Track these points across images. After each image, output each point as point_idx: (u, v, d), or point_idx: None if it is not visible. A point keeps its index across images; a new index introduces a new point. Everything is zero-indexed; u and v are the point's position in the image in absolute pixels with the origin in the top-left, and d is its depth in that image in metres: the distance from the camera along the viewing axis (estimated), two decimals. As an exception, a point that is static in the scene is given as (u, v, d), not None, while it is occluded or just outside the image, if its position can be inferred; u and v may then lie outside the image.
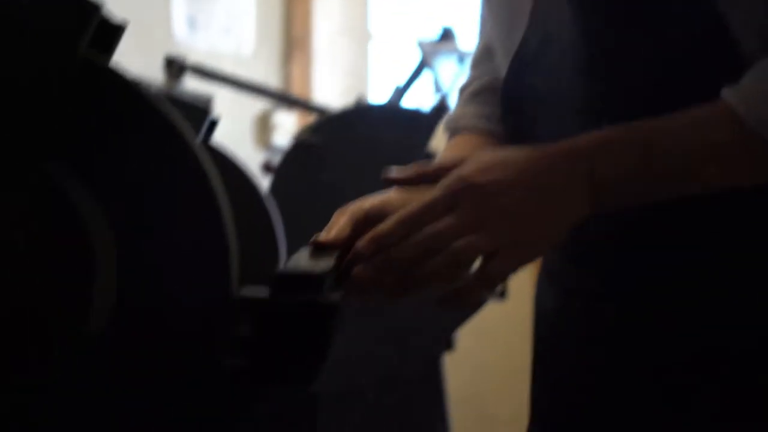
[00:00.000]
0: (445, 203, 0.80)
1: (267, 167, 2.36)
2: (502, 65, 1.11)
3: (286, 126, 3.89)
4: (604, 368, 1.08)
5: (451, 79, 2.48)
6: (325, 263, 0.73)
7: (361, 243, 0.79)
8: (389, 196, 0.93)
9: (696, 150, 0.85)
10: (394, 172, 0.87)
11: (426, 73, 2.55)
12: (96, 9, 0.68)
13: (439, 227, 0.78)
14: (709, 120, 0.85)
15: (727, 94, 0.86)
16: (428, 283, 0.79)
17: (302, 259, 0.76)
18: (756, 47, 0.89)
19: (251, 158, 3.25)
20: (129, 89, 0.69)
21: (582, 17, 1.00)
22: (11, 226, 0.65)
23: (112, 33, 0.73)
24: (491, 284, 0.80)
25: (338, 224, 0.85)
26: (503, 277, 0.80)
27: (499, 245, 0.79)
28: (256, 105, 3.84)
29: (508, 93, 1.09)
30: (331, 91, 4.06)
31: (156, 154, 0.68)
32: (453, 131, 1.19)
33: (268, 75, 3.89)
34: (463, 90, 1.23)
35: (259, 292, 0.69)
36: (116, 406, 0.65)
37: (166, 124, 0.69)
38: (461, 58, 2.55)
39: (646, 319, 1.03)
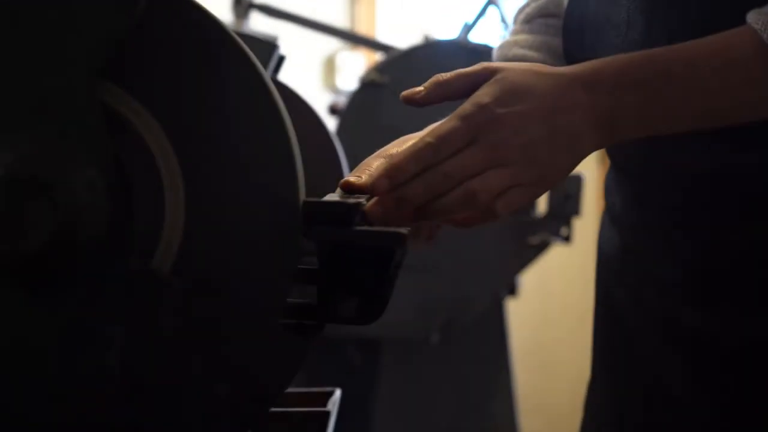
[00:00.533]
0: (463, 137, 0.77)
1: (333, 109, 2.34)
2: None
3: (353, 68, 3.87)
4: (661, 311, 1.07)
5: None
6: (354, 199, 0.71)
7: (376, 178, 0.77)
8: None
9: (719, 78, 0.82)
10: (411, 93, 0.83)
11: (493, 9, 2.51)
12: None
13: (454, 166, 0.76)
14: (733, 45, 0.82)
15: (753, 18, 0.82)
16: (440, 218, 0.80)
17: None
18: None
19: (318, 101, 3.24)
20: (203, 17, 0.68)
21: None
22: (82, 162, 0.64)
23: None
24: (497, 217, 0.79)
25: (370, 167, 0.81)
26: (511, 210, 0.79)
27: (511, 184, 0.77)
28: (323, 47, 3.82)
29: (570, 23, 1.05)
30: (396, 32, 4.02)
31: (228, 83, 0.67)
32: (503, 60, 1.16)
33: (334, 15, 3.86)
34: (518, 13, 1.21)
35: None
36: (183, 345, 0.64)
37: (240, 53, 0.67)
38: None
39: (711, 263, 1.02)
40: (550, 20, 1.14)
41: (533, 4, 1.17)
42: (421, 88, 0.82)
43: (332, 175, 1.20)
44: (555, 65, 1.07)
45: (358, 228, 0.66)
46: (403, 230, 0.65)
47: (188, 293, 0.63)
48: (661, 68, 0.82)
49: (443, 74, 0.81)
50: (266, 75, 0.68)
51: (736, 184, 0.98)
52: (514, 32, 1.18)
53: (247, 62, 0.68)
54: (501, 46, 1.17)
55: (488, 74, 0.79)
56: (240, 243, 0.66)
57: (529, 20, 1.17)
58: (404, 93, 0.82)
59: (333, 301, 0.69)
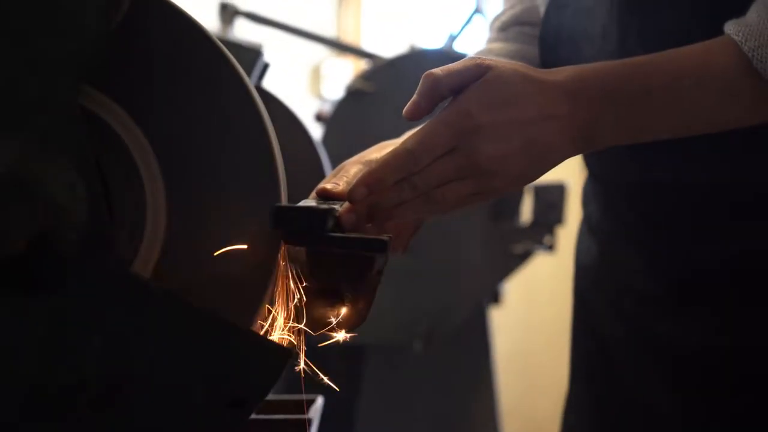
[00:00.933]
0: (444, 146, 0.77)
1: (319, 117, 2.34)
2: (540, 4, 1.09)
3: (339, 75, 3.87)
4: (638, 321, 1.08)
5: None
6: (327, 204, 0.70)
7: (354, 187, 0.75)
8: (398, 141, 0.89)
9: (699, 92, 0.82)
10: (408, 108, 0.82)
11: (479, 18, 2.51)
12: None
13: (429, 177, 0.76)
14: (714, 58, 0.82)
15: (733, 29, 0.83)
16: (388, 221, 0.78)
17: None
18: None
19: (304, 108, 3.24)
20: (186, 23, 0.68)
21: None
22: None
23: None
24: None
25: (348, 173, 0.82)
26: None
27: (473, 192, 0.78)
28: (309, 55, 3.82)
29: (546, 34, 1.06)
30: (382, 41, 4.02)
31: (210, 88, 0.67)
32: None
33: (320, 23, 3.86)
34: (494, 21, 1.21)
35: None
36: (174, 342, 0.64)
37: (222, 60, 0.67)
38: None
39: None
40: (525, 28, 1.14)
41: (508, 12, 1.17)
42: (416, 98, 0.81)
43: (316, 184, 1.20)
44: None
45: (341, 234, 0.66)
46: (385, 237, 0.65)
47: (168, 297, 0.63)
48: (642, 81, 0.82)
49: (434, 71, 0.80)
50: (248, 80, 0.68)
51: (715, 194, 0.98)
52: (490, 40, 1.18)
53: (230, 68, 0.68)
54: (476, 54, 1.17)
55: (479, 71, 0.79)
56: (219, 249, 0.66)
57: (504, 28, 1.17)
58: (405, 111, 0.80)
59: (314, 308, 0.69)
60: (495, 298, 2.29)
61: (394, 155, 0.77)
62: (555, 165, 0.82)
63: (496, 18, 1.19)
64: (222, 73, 0.67)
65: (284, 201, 0.68)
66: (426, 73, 0.80)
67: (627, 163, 1.04)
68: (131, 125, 0.67)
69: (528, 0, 1.15)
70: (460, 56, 2.29)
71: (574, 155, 0.83)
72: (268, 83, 1.22)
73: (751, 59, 0.80)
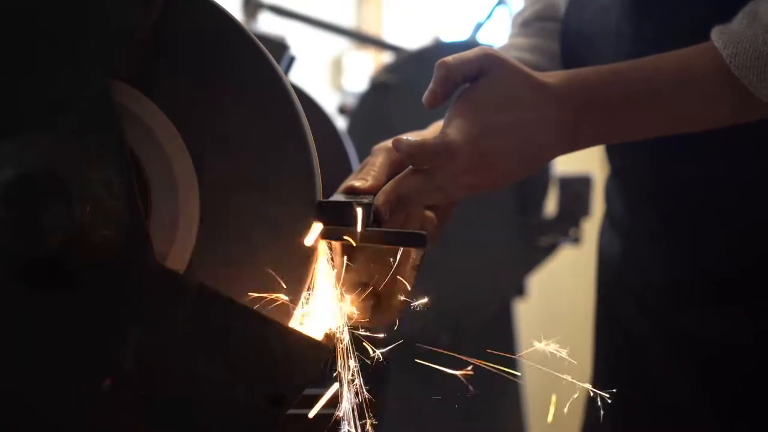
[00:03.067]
0: (450, 176, 0.81)
1: (342, 110, 2.34)
2: (561, 2, 1.12)
3: (360, 68, 3.86)
4: (661, 315, 1.08)
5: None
6: (366, 199, 0.71)
7: (383, 205, 0.78)
8: (427, 132, 0.95)
9: (678, 96, 0.86)
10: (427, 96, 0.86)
11: (502, 9, 2.50)
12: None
13: (447, 176, 0.81)
14: (694, 62, 0.85)
15: (715, 36, 0.85)
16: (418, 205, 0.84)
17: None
18: None
19: (326, 101, 3.23)
20: (221, 17, 0.67)
21: None
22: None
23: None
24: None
25: (375, 167, 0.85)
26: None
27: (476, 184, 0.83)
28: (330, 48, 3.82)
29: (566, 31, 1.09)
30: (403, 32, 4.02)
31: (246, 83, 0.66)
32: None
33: (341, 16, 3.86)
34: (517, 17, 1.23)
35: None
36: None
37: (258, 54, 0.67)
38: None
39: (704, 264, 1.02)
40: (547, 24, 1.16)
41: (531, 9, 1.20)
42: (432, 86, 0.85)
43: (343, 177, 1.20)
44: (549, 68, 1.09)
45: (381, 229, 0.66)
46: (423, 231, 0.65)
47: (205, 293, 0.63)
48: (625, 87, 0.85)
49: (447, 59, 0.85)
50: (285, 76, 0.68)
51: (737, 191, 0.98)
52: (513, 35, 1.20)
53: (266, 63, 0.67)
54: (500, 50, 1.19)
55: (488, 61, 0.83)
56: (255, 245, 0.66)
57: (527, 24, 1.19)
58: (424, 99, 0.86)
59: (350, 303, 0.69)
60: (520, 291, 2.28)
61: (414, 178, 0.80)
62: (544, 163, 0.89)
63: (519, 14, 1.22)
64: (260, 71, 0.67)
65: (319, 190, 0.68)
66: (439, 61, 0.85)
67: (647, 159, 1.04)
68: (166, 122, 0.67)
69: None
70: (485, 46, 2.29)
71: (563, 153, 0.87)
72: (291, 76, 1.22)
73: (729, 65, 0.82)
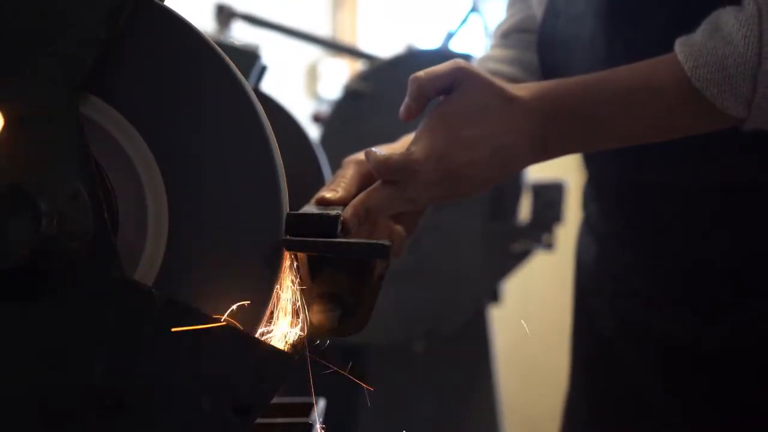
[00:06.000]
0: (420, 188, 0.83)
1: (317, 118, 2.34)
2: (537, 11, 1.14)
3: (335, 75, 3.87)
4: (634, 318, 1.09)
5: (499, 19, 2.43)
6: (334, 210, 0.72)
7: (350, 219, 0.80)
8: (397, 146, 0.98)
9: (643, 107, 0.88)
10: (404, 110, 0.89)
11: (475, 17, 2.51)
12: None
13: (419, 189, 0.83)
14: (658, 74, 0.87)
15: (678, 48, 0.87)
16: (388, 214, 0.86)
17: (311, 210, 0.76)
18: None
19: (300, 109, 3.23)
20: (186, 29, 0.68)
21: None
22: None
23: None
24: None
25: (345, 179, 0.87)
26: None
27: (448, 194, 0.86)
28: (305, 55, 3.82)
29: (543, 40, 1.11)
30: (378, 40, 4.02)
31: (210, 95, 0.67)
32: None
33: (316, 23, 3.86)
34: (497, 29, 1.25)
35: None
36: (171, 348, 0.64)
37: (222, 66, 0.68)
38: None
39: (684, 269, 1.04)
40: (527, 35, 1.18)
41: (510, 20, 1.22)
42: (407, 101, 0.88)
43: (315, 186, 1.20)
44: (527, 79, 1.11)
45: (344, 240, 0.67)
46: (387, 242, 0.65)
47: (170, 304, 0.63)
48: (593, 99, 0.87)
49: (419, 74, 0.87)
50: (248, 87, 0.68)
51: (709, 195, 1.00)
52: (492, 46, 1.23)
53: (230, 75, 0.68)
54: (479, 60, 1.22)
55: (459, 75, 0.86)
56: (223, 258, 0.66)
57: (506, 35, 1.21)
58: (400, 114, 0.89)
59: (316, 313, 0.69)
60: (494, 297, 2.29)
61: (384, 191, 0.82)
62: (516, 171, 0.94)
63: (499, 26, 1.24)
64: (223, 81, 0.67)
65: (285, 207, 0.68)
66: (412, 77, 0.88)
67: (617, 165, 1.06)
68: (132, 132, 0.67)
69: (528, 8, 1.19)
70: (457, 56, 2.30)
71: (533, 163, 0.90)
72: (266, 84, 1.22)
73: (690, 78, 0.84)
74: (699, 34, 0.86)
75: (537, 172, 2.33)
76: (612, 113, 0.87)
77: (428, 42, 2.86)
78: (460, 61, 0.87)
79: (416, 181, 0.82)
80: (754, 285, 1.00)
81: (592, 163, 1.15)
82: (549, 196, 2.21)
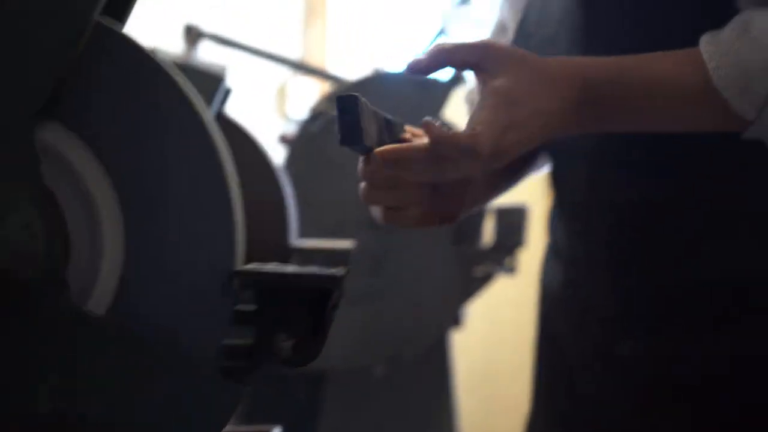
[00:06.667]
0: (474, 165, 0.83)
1: (284, 139, 2.35)
2: (510, 36, 1.14)
3: (305, 95, 3.87)
4: (601, 343, 1.09)
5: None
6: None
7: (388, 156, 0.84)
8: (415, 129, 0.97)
9: (669, 104, 0.88)
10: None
11: (443, 40, 2.53)
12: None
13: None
14: (685, 74, 0.87)
15: (704, 46, 0.87)
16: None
17: None
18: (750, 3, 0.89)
19: (269, 129, 3.24)
20: (141, 56, 0.68)
21: None
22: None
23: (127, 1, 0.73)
24: None
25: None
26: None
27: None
28: (275, 75, 3.82)
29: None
30: (348, 60, 4.04)
31: (167, 123, 0.67)
32: (471, 103, 1.21)
33: (286, 43, 3.87)
34: None
35: (264, 267, 0.69)
36: (116, 385, 0.64)
37: (178, 92, 0.68)
38: (479, 24, 2.53)
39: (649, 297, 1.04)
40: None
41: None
42: (422, 57, 0.87)
43: (277, 210, 1.21)
44: None
45: (295, 270, 0.67)
46: (339, 272, 0.66)
47: (123, 333, 0.63)
48: (623, 84, 0.87)
49: (447, 43, 0.86)
50: (206, 113, 0.68)
51: (677, 219, 1.00)
52: None
53: (186, 102, 0.68)
54: (469, 92, 1.23)
55: (488, 58, 0.84)
56: (176, 286, 0.66)
57: None
58: (409, 63, 0.87)
59: (269, 342, 0.69)
60: (456, 321, 2.30)
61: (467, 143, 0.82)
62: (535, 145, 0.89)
63: None
64: (178, 108, 0.68)
65: (239, 230, 0.68)
66: (438, 45, 0.86)
67: (587, 188, 1.06)
68: (89, 158, 0.67)
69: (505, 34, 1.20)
70: (424, 79, 2.31)
71: (562, 135, 0.89)
72: (233, 103, 1.23)
73: (713, 77, 0.84)
74: (727, 33, 0.86)
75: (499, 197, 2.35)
76: (638, 100, 0.87)
77: (396, 64, 2.87)
78: (490, 41, 0.87)
79: (475, 161, 0.81)
80: (728, 310, 1.00)
81: (560, 187, 1.15)
82: (511, 220, 2.23)
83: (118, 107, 0.68)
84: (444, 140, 0.81)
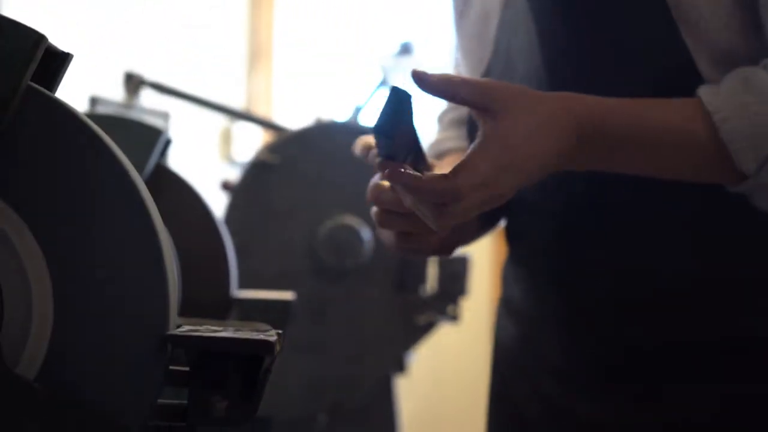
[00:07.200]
0: (459, 209, 0.83)
1: (226, 186, 2.35)
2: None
3: (249, 139, 3.87)
4: (558, 402, 1.09)
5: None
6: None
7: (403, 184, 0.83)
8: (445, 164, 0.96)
9: (674, 157, 0.89)
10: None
11: (384, 91, 2.56)
12: (42, 38, 0.68)
13: (467, 208, 0.83)
14: (692, 129, 0.87)
15: (705, 95, 0.87)
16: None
17: None
18: (718, 77, 0.90)
19: (217, 171, 3.23)
20: (73, 119, 0.68)
21: (540, 48, 1.00)
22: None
23: (59, 61, 0.72)
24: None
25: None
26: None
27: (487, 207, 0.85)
28: (219, 118, 3.82)
29: (474, 122, 1.10)
30: (293, 106, 4.05)
31: (98, 189, 0.67)
32: (437, 155, 1.20)
33: (230, 88, 3.87)
34: (441, 118, 1.26)
35: (197, 327, 0.69)
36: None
37: (110, 157, 0.68)
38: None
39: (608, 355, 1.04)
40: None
41: (453, 112, 1.23)
42: (434, 75, 0.85)
43: (216, 263, 1.20)
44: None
45: (228, 335, 0.67)
46: (271, 338, 0.66)
47: (53, 400, 0.63)
48: (628, 130, 0.87)
49: (454, 77, 0.85)
50: (138, 179, 0.68)
51: (638, 279, 1.01)
52: (443, 129, 1.24)
53: (120, 168, 0.68)
54: (432, 144, 1.23)
55: (489, 99, 0.84)
56: (108, 350, 0.66)
57: (457, 124, 1.22)
58: (415, 73, 0.85)
59: (203, 403, 0.69)
60: (401, 367, 2.30)
61: (444, 187, 0.81)
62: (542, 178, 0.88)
63: (442, 116, 1.26)
64: (108, 171, 0.67)
65: (172, 291, 0.68)
66: (446, 76, 0.85)
67: (547, 246, 1.06)
68: (20, 223, 0.67)
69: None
70: (366, 129, 2.33)
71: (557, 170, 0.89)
72: (176, 146, 1.22)
73: (719, 129, 0.85)
74: (729, 86, 0.87)
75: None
76: (638, 145, 0.88)
77: (338, 114, 2.89)
78: (492, 82, 0.86)
79: (457, 204, 0.81)
80: (687, 369, 1.00)
81: (520, 244, 1.15)
82: (454, 269, 2.25)
83: (47, 171, 0.67)
84: (421, 188, 0.81)
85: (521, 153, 0.82)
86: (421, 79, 0.84)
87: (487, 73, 1.08)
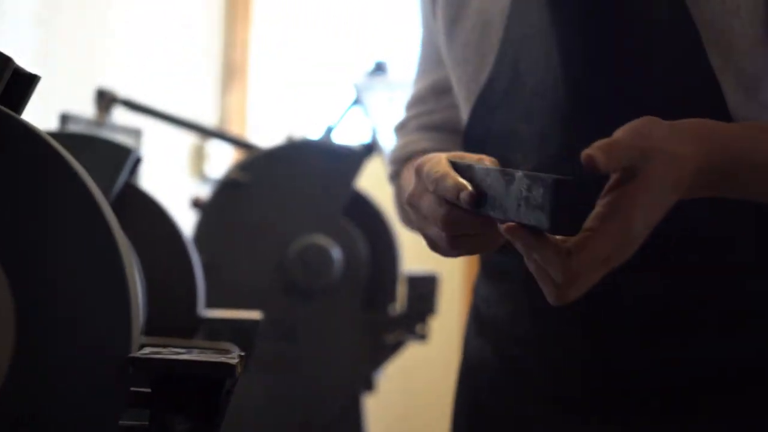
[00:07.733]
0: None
1: (196, 203, 2.35)
2: (463, 107, 1.10)
3: (221, 155, 3.87)
4: (543, 425, 1.09)
5: (381, 112, 2.49)
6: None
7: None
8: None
9: None
10: None
11: (357, 110, 2.57)
12: (8, 61, 0.68)
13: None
14: None
15: None
16: None
17: None
18: (740, 99, 0.91)
19: (188, 188, 3.23)
20: (36, 139, 0.68)
21: (562, 63, 0.97)
22: None
23: (26, 83, 0.73)
24: None
25: (420, 208, 0.86)
26: None
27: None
28: (193, 135, 3.82)
29: (471, 136, 1.07)
30: (267, 122, 4.05)
31: (59, 208, 0.67)
32: (404, 159, 1.18)
33: (204, 105, 3.87)
34: (399, 128, 1.23)
35: (159, 350, 0.69)
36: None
37: (73, 178, 0.68)
38: (393, 91, 2.57)
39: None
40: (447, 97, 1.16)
41: (415, 120, 1.20)
42: (601, 157, 0.77)
43: (185, 283, 1.21)
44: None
45: (188, 358, 0.68)
46: (233, 360, 0.67)
47: (14, 422, 0.63)
48: (751, 163, 0.84)
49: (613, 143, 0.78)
50: (103, 203, 0.69)
51: (633, 305, 1.01)
52: (407, 134, 1.20)
53: (83, 189, 0.68)
54: (395, 150, 1.19)
55: (645, 154, 0.78)
56: (69, 371, 0.66)
57: (424, 129, 1.19)
58: (585, 159, 0.76)
59: (165, 426, 0.70)
60: (369, 385, 2.30)
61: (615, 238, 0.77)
62: None
63: (400, 126, 1.22)
64: (72, 193, 0.68)
65: (135, 314, 0.69)
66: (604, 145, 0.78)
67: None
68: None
69: (440, 109, 1.18)
70: (336, 147, 2.34)
71: None
72: (148, 165, 1.22)
73: None
74: None
75: (411, 264, 2.38)
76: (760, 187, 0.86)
77: (312, 132, 2.90)
78: (644, 140, 0.78)
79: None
80: (671, 399, 1.00)
81: (501, 266, 1.12)
82: (423, 288, 2.26)
83: (8, 192, 0.67)
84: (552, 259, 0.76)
85: (652, 214, 0.78)
86: (592, 166, 0.76)
87: (488, 84, 1.05)
